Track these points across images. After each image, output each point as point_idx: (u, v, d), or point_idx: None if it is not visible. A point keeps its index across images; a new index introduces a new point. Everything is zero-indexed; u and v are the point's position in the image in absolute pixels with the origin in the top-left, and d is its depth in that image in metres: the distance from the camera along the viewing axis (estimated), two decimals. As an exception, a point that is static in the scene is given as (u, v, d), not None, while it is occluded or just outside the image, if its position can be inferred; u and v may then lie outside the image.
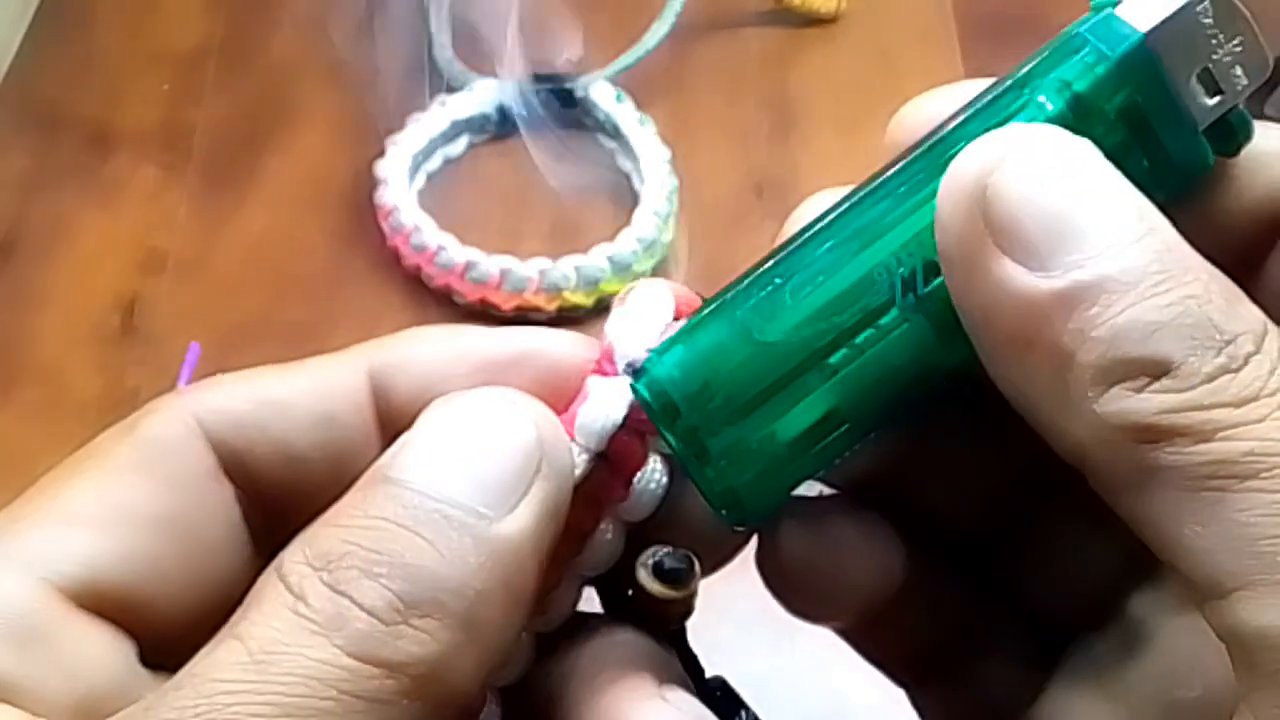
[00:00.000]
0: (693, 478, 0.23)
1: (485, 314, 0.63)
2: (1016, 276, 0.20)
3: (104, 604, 0.22)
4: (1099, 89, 0.22)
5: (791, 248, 0.23)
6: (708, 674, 0.25)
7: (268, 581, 0.20)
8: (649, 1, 0.71)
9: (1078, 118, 0.22)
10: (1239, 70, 0.22)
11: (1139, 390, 0.19)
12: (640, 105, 0.68)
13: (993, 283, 0.21)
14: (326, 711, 0.19)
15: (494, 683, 0.23)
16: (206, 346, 0.62)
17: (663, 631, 0.24)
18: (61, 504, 0.22)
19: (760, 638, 0.54)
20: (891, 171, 0.23)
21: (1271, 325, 0.20)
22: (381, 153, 0.67)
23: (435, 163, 0.69)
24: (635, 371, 0.23)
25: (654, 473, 0.24)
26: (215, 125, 0.72)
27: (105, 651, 0.22)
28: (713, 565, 0.25)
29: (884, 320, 0.22)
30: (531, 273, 0.62)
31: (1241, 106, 0.22)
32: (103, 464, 0.23)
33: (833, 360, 0.23)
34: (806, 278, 0.23)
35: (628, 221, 0.64)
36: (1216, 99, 0.22)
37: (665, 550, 0.24)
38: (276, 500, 0.24)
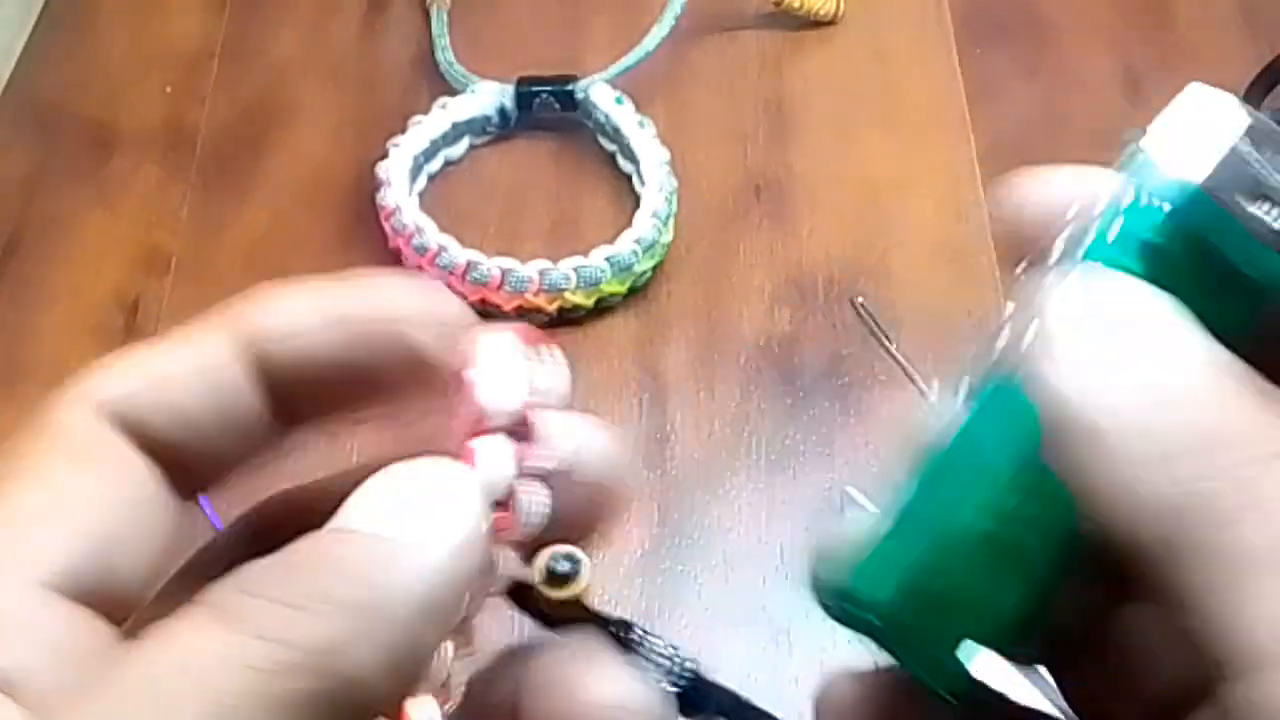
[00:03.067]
0: (924, 680, 0.24)
1: (486, 314, 0.63)
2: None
3: (80, 593, 0.23)
4: (1168, 238, 0.23)
5: (959, 448, 0.24)
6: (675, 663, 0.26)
7: (186, 610, 0.21)
8: (649, 4, 0.71)
9: (1154, 269, 0.23)
10: None
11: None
12: (640, 107, 0.69)
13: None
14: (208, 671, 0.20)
15: (417, 692, 0.24)
16: (209, 346, 0.63)
17: (589, 623, 0.25)
18: (14, 504, 0.23)
19: (760, 638, 0.54)
20: None
21: None
22: (383, 154, 0.67)
23: (436, 164, 0.69)
24: (838, 592, 0.24)
25: (534, 498, 0.25)
26: (217, 126, 0.72)
27: (91, 637, 0.23)
28: (593, 531, 0.26)
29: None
30: (532, 274, 0.63)
31: None
32: (28, 463, 0.23)
33: (1027, 541, 0.23)
34: (978, 473, 0.23)
35: (628, 223, 0.65)
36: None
37: (550, 554, 0.25)
38: (179, 460, 0.25)
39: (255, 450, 0.25)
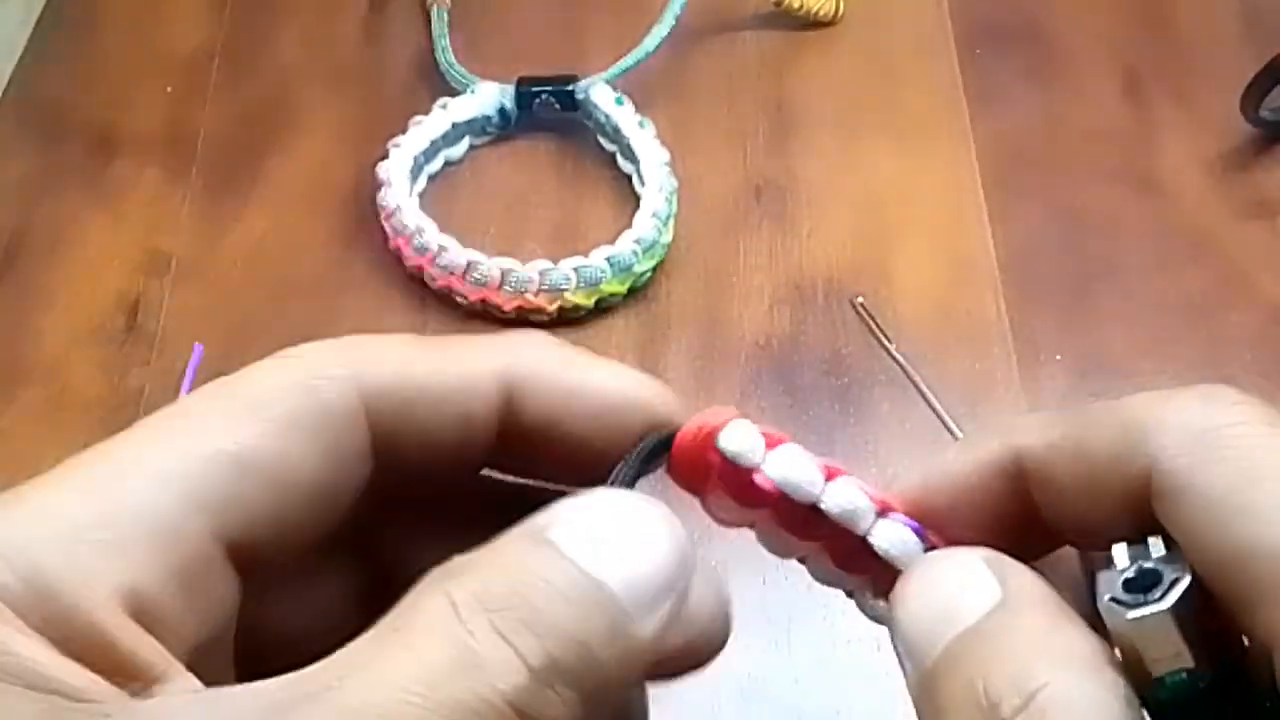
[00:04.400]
0: None
1: (486, 315, 0.64)
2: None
3: (240, 553, 0.23)
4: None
5: None
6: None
7: (431, 599, 0.21)
8: (649, 4, 0.71)
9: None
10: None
11: None
12: (640, 108, 0.69)
13: None
14: None
15: None
16: (209, 347, 0.63)
17: None
18: (226, 452, 0.24)
19: (760, 637, 0.54)
20: None
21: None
22: (384, 155, 0.67)
23: (437, 165, 0.69)
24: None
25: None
26: (218, 128, 0.72)
27: (232, 596, 0.24)
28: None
29: None
30: (532, 274, 0.63)
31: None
32: (273, 417, 0.24)
33: None
34: None
35: (628, 223, 0.65)
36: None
37: None
38: (391, 471, 0.26)
39: (459, 484, 0.27)
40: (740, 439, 0.26)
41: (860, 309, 0.64)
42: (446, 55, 0.72)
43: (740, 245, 0.66)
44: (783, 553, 0.28)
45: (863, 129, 0.71)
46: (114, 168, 0.71)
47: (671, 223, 0.66)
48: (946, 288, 0.65)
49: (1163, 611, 0.23)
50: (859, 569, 0.27)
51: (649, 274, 0.65)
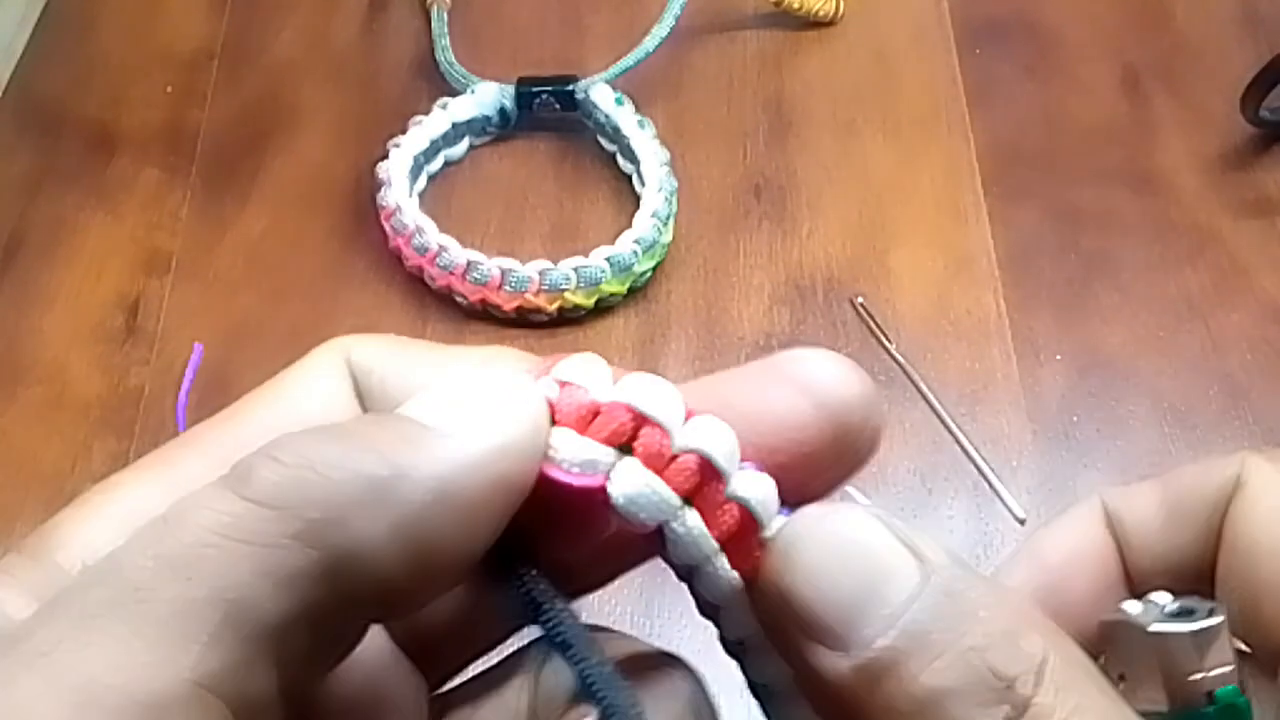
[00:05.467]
0: None
1: (486, 314, 0.64)
2: (824, 658, 0.22)
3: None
4: None
5: None
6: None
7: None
8: (649, 4, 0.71)
9: None
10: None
11: None
12: (640, 108, 0.69)
13: (811, 668, 0.22)
14: (211, 558, 0.19)
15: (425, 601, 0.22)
16: (209, 346, 0.63)
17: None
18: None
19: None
20: None
21: (1053, 644, 0.21)
22: (383, 155, 0.67)
23: (437, 165, 0.69)
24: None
25: (651, 486, 0.23)
26: (218, 127, 0.72)
27: None
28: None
29: None
30: (532, 274, 0.63)
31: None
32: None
33: None
34: None
35: (628, 223, 0.65)
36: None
37: None
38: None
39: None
40: (579, 371, 0.23)
41: (860, 309, 0.64)
42: (446, 55, 0.72)
43: (740, 245, 0.66)
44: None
45: (862, 128, 0.71)
46: (113, 167, 0.71)
47: (671, 222, 0.66)
48: (946, 286, 0.65)
49: (1220, 623, 0.24)
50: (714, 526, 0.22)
51: (649, 274, 0.65)
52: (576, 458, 0.22)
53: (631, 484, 0.22)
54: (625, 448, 0.22)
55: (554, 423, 0.22)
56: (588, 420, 0.22)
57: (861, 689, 0.21)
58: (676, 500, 0.22)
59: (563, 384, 0.23)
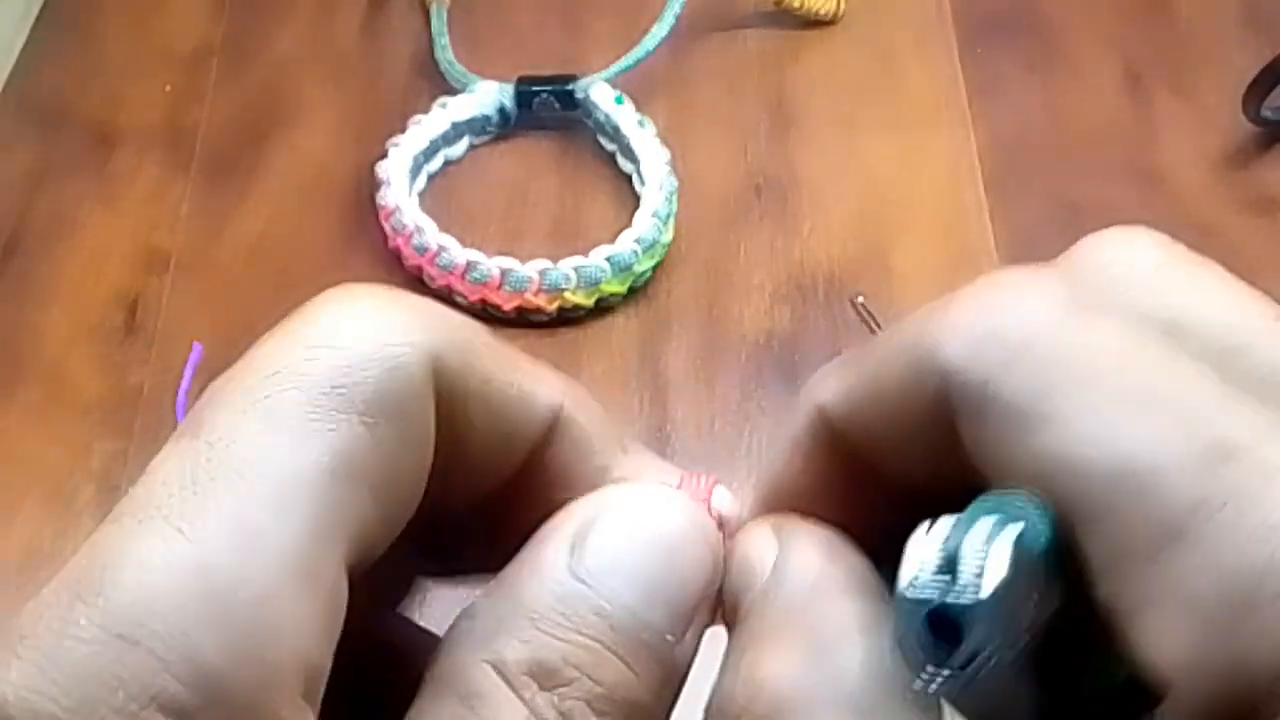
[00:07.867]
0: None
1: (486, 314, 0.63)
2: None
3: (353, 573, 0.21)
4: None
5: None
6: None
7: (477, 670, 0.20)
8: (649, 3, 0.71)
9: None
10: None
11: None
12: (640, 107, 0.69)
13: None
14: None
15: None
16: (209, 345, 0.63)
17: None
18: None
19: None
20: None
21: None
22: (383, 154, 0.67)
23: (436, 164, 0.69)
24: None
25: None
26: (218, 125, 0.72)
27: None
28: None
29: None
30: (532, 273, 0.63)
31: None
32: (365, 401, 0.22)
33: None
34: None
35: (628, 223, 0.65)
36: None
37: None
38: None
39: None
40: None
41: (860, 308, 0.64)
42: (446, 54, 0.72)
43: (740, 243, 0.66)
44: None
45: (863, 125, 0.71)
46: (113, 164, 0.71)
47: (672, 222, 0.65)
48: (947, 284, 0.64)
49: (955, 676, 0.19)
50: None
51: (649, 273, 0.64)
52: None
53: None
54: None
55: None
56: None
57: None
58: None
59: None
